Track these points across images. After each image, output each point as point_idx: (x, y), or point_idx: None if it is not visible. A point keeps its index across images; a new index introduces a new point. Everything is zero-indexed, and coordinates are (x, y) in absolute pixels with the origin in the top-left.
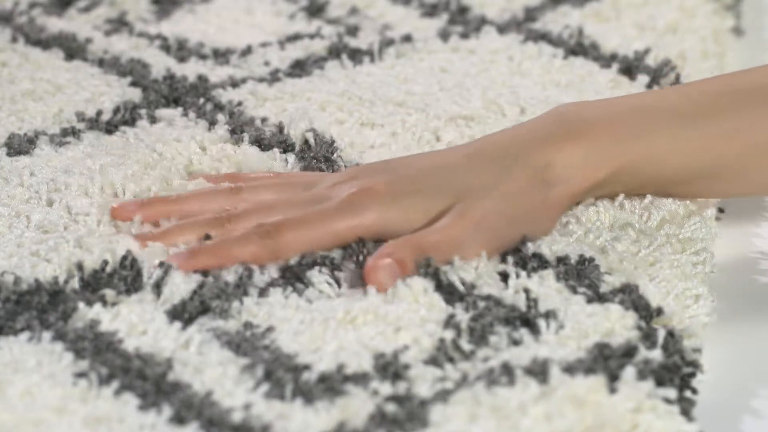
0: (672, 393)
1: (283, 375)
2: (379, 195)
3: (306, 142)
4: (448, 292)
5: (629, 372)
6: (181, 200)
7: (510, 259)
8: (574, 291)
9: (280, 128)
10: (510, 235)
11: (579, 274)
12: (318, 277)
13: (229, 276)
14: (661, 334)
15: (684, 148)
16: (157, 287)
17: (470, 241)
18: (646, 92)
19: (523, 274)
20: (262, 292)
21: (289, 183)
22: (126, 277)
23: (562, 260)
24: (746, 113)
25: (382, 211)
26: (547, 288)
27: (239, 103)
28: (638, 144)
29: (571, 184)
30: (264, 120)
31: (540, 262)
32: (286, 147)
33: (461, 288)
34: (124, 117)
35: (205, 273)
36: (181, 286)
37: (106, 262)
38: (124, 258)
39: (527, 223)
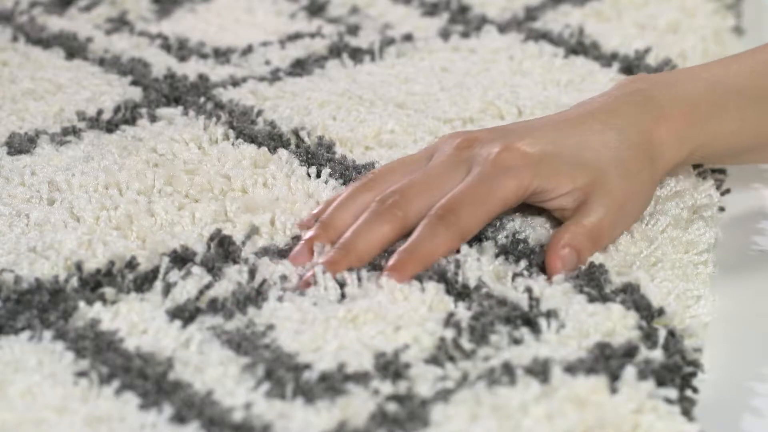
0: (673, 393)
1: (283, 374)
2: (528, 156)
3: (305, 141)
4: (455, 291)
5: (630, 372)
6: (333, 219)
7: (513, 258)
8: (581, 291)
9: (280, 127)
10: (637, 213)
11: (588, 276)
12: (319, 276)
13: (234, 276)
14: (662, 334)
15: (750, 126)
16: (167, 287)
17: (619, 223)
18: (713, 66)
19: (524, 272)
20: (264, 293)
21: (408, 161)
22: (136, 278)
23: None
24: None
25: (537, 172)
26: (553, 288)
27: (239, 102)
28: (711, 126)
29: (663, 161)
30: (264, 119)
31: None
32: (286, 146)
33: (471, 286)
34: (125, 116)
35: (213, 274)
36: (187, 286)
37: (112, 263)
38: (132, 259)
39: (644, 200)
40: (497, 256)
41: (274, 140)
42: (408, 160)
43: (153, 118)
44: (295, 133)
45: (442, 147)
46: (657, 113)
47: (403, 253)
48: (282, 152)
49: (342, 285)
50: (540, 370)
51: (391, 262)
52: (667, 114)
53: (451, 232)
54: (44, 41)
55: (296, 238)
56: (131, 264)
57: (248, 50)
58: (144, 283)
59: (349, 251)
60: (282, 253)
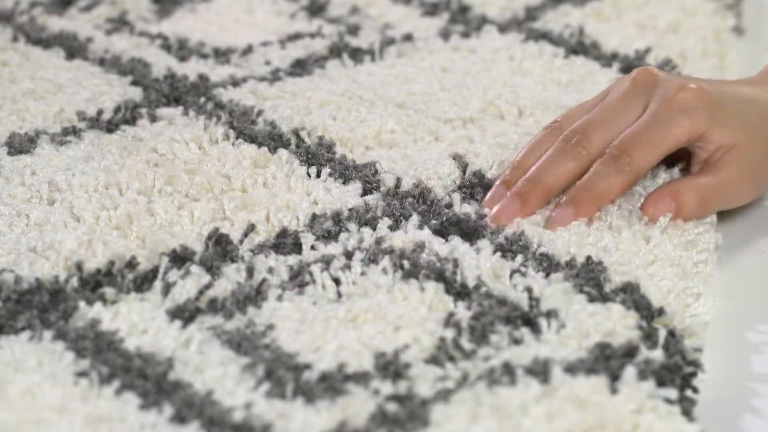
0: (673, 393)
1: (283, 374)
2: (704, 98)
3: (305, 141)
4: (454, 291)
5: (630, 372)
6: (524, 161)
7: (516, 258)
8: (581, 290)
9: (280, 127)
10: (763, 189)
11: (587, 275)
12: (319, 275)
13: (234, 276)
14: (662, 334)
15: None
16: (167, 287)
17: (743, 191)
18: None
19: (526, 272)
20: (264, 292)
21: (588, 104)
22: (135, 278)
23: (569, 263)
24: None
25: (710, 116)
26: (553, 288)
27: (240, 103)
28: None
29: None
30: (264, 119)
31: (549, 263)
32: (286, 146)
33: (470, 285)
34: (125, 116)
35: (212, 273)
36: (187, 285)
37: (112, 263)
38: (132, 258)
39: None
40: (494, 252)
41: (274, 140)
42: (588, 104)
43: (153, 118)
44: (296, 133)
45: (618, 83)
46: None
47: (578, 190)
48: (282, 152)
49: (337, 282)
50: (540, 370)
51: (566, 198)
52: None
53: (624, 174)
54: (44, 41)
55: (284, 232)
56: (131, 264)
57: (248, 50)
58: (144, 282)
59: (536, 183)
60: (276, 249)
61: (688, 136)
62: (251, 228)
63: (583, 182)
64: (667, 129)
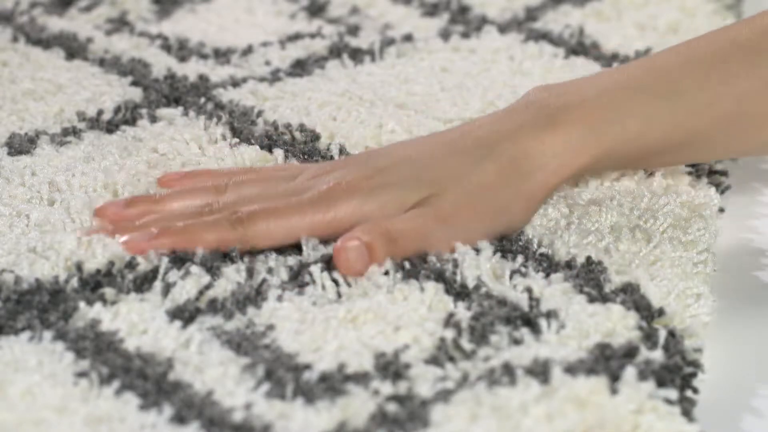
0: (673, 394)
1: (283, 374)
2: (355, 189)
3: (305, 142)
4: (454, 291)
5: (630, 372)
6: (164, 199)
7: (517, 258)
8: (581, 291)
9: (280, 128)
10: (481, 229)
11: (586, 276)
12: (319, 275)
13: (235, 276)
14: (662, 335)
15: (656, 127)
16: (167, 287)
17: (438, 234)
18: (612, 70)
19: (526, 272)
20: (263, 293)
21: (271, 177)
22: (135, 279)
23: (569, 263)
24: (711, 86)
25: (358, 205)
26: (553, 288)
27: (240, 103)
28: (613, 129)
29: (547, 173)
30: (264, 119)
31: (549, 263)
32: (285, 147)
33: (470, 285)
34: (125, 116)
35: (212, 274)
36: (186, 286)
37: (112, 263)
38: (132, 259)
39: (500, 216)
40: (494, 253)
41: (273, 141)
42: (269, 176)
43: (153, 119)
44: (294, 132)
45: (303, 172)
46: (549, 119)
47: (172, 226)
48: (279, 152)
49: (337, 283)
50: (540, 371)
51: (156, 227)
52: (562, 119)
53: (232, 231)
54: (44, 41)
55: None
56: (131, 264)
57: (248, 50)
58: (144, 283)
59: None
60: (275, 249)
61: (329, 226)
62: None
63: (192, 219)
64: (306, 215)
